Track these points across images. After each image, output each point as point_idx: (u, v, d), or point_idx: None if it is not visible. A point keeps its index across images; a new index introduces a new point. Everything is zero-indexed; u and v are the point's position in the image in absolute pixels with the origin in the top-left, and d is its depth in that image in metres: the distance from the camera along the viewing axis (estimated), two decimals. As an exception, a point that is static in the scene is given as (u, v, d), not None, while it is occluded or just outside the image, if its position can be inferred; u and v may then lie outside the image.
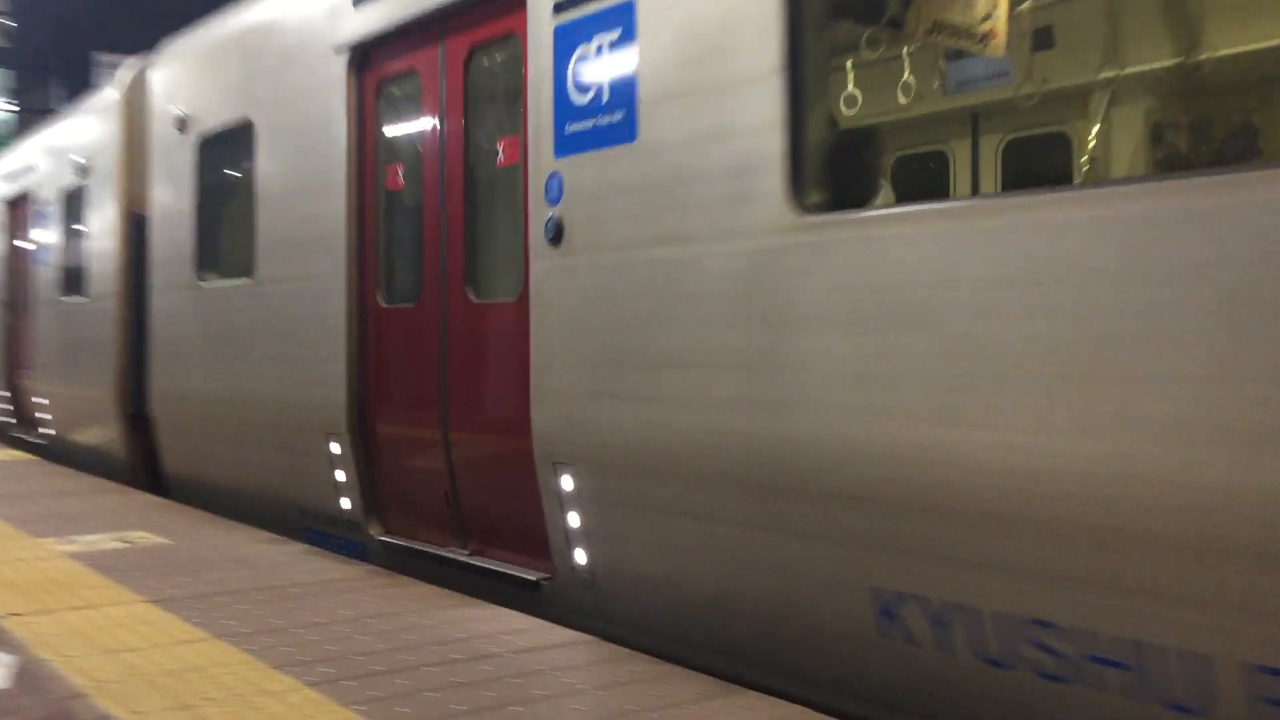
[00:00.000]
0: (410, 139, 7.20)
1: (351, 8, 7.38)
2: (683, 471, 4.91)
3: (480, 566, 6.40)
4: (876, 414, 4.10)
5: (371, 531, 7.41)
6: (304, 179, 7.88)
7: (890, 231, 4.10)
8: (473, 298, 6.50)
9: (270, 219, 8.29)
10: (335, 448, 7.57)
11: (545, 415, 5.71)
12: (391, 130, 7.37)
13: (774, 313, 4.49)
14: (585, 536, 5.59)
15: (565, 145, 5.64)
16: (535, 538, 6.08)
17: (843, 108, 4.49)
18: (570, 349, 5.55)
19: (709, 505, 4.81)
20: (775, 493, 4.48)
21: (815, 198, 4.48)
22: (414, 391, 7.00)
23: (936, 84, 6.27)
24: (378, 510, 7.45)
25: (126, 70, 11.48)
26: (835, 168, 4.59)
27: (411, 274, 7.16)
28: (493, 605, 5.84)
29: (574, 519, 5.64)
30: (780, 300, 4.47)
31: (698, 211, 4.88)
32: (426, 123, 6.90)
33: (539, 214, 5.78)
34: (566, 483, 5.64)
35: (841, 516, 4.25)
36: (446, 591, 6.14)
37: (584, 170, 5.51)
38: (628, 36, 5.24)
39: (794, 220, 4.43)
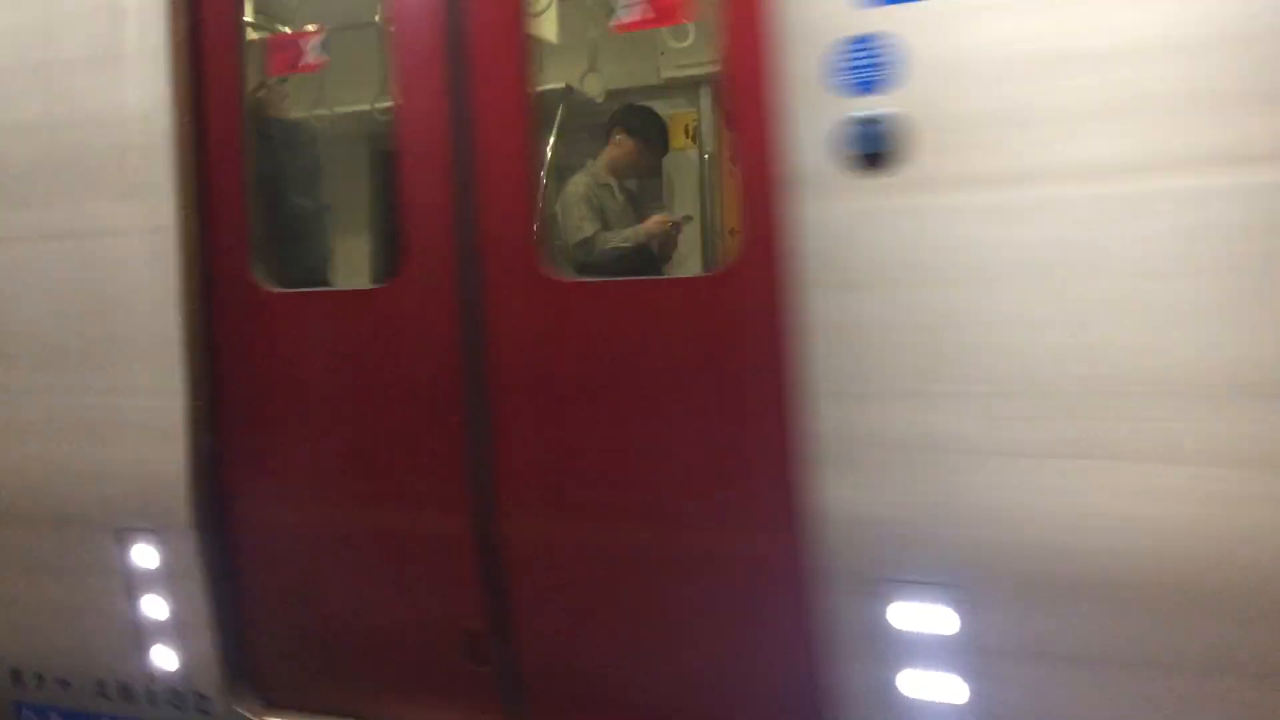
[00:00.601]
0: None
1: None
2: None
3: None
4: None
5: (240, 709, 3.98)
6: (44, 46, 4.16)
7: None
8: (559, 276, 3.50)
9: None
10: (144, 556, 4.01)
11: (864, 489, 2.99)
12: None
13: None
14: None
15: (906, -22, 2.98)
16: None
17: None
18: (954, 363, 2.91)
19: None
20: None
21: None
22: (374, 449, 3.76)
23: None
24: (252, 669, 4.03)
25: None
26: None
27: (360, 234, 3.91)
28: None
29: (937, 686, 3.00)
30: None
31: None
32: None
33: (814, 113, 3.05)
34: (926, 616, 2.98)
35: None
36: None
37: (975, 26, 2.90)
38: None
39: None
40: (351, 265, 4.84)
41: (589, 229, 4.81)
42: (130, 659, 4.09)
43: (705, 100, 6.97)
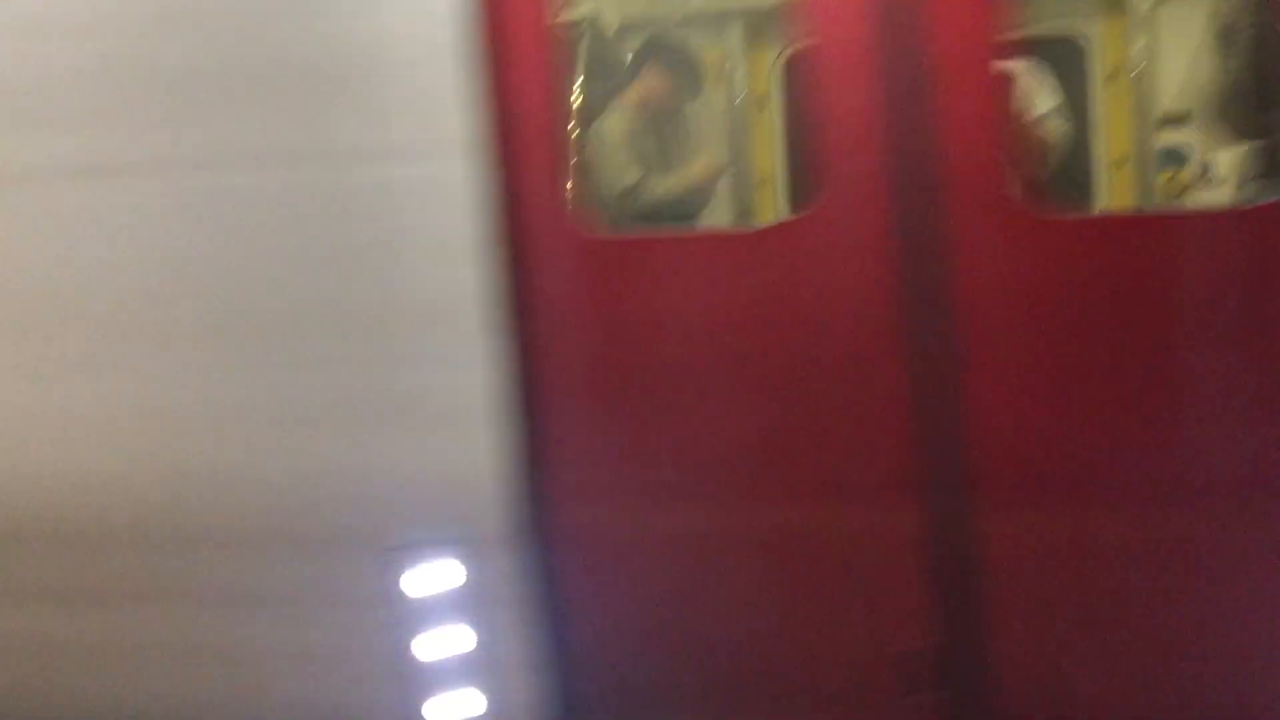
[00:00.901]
0: None
1: None
2: None
3: None
4: None
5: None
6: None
7: None
8: (1037, 210, 2.82)
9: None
10: (433, 578, 3.11)
11: None
12: None
13: None
14: None
15: None
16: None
17: None
18: None
19: None
20: None
21: None
22: (775, 429, 2.98)
23: None
24: (587, 715, 3.19)
25: None
26: None
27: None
28: None
29: None
30: None
31: None
32: None
33: None
34: None
35: None
36: None
37: None
38: None
39: None
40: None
41: (634, 176, 4.25)
42: (407, 709, 3.18)
43: (735, 36, 6.31)
